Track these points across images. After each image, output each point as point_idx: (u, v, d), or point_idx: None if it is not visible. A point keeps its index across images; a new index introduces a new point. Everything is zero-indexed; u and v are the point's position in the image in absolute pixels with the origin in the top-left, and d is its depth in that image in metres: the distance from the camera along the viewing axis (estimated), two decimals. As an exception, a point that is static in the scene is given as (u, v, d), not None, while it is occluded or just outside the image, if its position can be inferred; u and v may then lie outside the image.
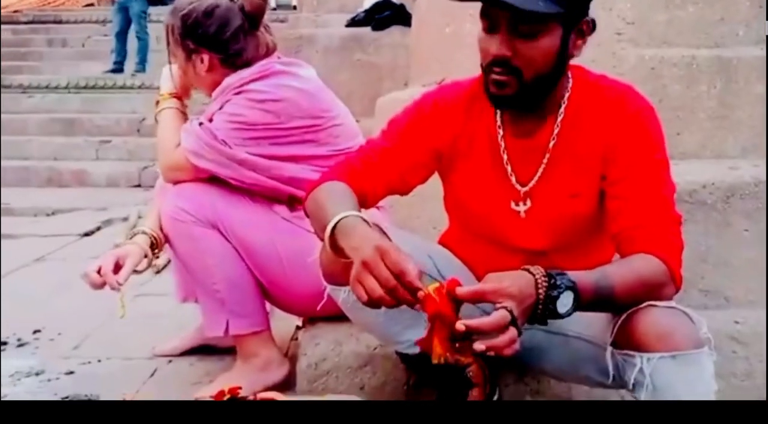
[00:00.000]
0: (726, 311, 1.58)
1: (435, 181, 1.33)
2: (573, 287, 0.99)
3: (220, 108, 1.55)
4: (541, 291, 0.98)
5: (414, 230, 1.69)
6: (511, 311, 0.94)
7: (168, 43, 1.62)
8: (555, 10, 1.05)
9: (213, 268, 1.54)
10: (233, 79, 1.56)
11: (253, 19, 1.58)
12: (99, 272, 1.50)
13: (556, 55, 1.10)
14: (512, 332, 0.94)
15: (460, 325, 0.94)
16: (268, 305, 1.68)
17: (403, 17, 4.02)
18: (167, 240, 1.58)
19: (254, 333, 1.60)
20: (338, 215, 1.06)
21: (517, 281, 0.99)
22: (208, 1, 1.56)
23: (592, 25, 1.14)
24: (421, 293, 0.95)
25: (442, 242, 1.40)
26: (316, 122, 1.58)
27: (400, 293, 0.95)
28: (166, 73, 1.66)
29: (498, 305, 0.96)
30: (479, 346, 0.94)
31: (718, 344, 1.40)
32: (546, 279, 0.99)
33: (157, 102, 1.66)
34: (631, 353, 1.04)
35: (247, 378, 1.55)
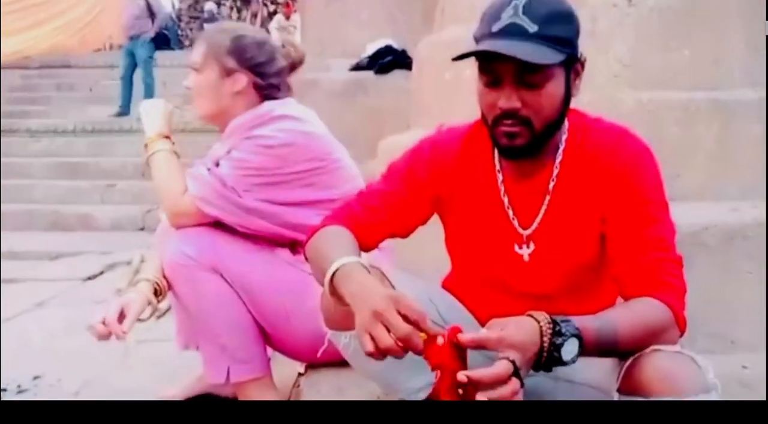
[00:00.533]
0: (732, 355, 1.56)
1: (437, 224, 1.33)
2: (578, 335, 0.98)
3: (228, 152, 1.57)
4: (545, 339, 0.97)
5: (416, 273, 1.69)
6: (513, 362, 0.93)
7: (201, 63, 1.63)
8: (561, 58, 1.07)
9: (214, 312, 1.53)
10: (240, 121, 1.58)
11: (293, 65, 1.69)
12: (103, 322, 1.49)
13: (563, 100, 1.11)
14: (515, 383, 0.93)
15: (461, 376, 0.92)
16: (269, 350, 1.67)
17: (404, 62, 4.09)
18: (169, 285, 1.58)
19: (256, 379, 1.58)
20: (338, 262, 1.05)
21: (521, 330, 0.97)
22: (261, 34, 1.67)
23: (585, 62, 1.15)
24: (419, 341, 0.94)
25: (445, 286, 1.39)
26: (321, 164, 1.59)
27: (414, 341, 0.93)
28: (153, 112, 1.67)
29: (501, 355, 0.94)
30: (482, 397, 0.92)
31: (726, 389, 1.37)
32: (551, 326, 0.97)
33: (146, 145, 1.65)
34: (638, 398, 1.01)
35: None
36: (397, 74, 4.15)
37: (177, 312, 1.71)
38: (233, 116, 1.61)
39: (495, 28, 1.07)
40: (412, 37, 4.18)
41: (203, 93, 1.63)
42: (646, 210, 1.12)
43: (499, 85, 1.09)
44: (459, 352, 0.97)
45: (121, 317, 1.50)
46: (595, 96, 1.79)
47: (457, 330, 0.97)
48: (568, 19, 1.10)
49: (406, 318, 0.94)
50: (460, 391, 0.95)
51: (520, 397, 0.94)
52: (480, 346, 0.97)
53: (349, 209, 1.26)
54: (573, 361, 0.99)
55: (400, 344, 0.93)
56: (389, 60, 4.17)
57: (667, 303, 1.06)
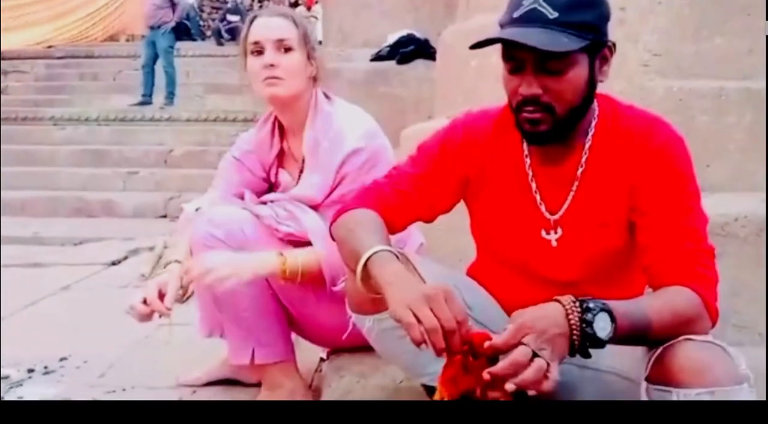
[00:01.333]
0: (761, 347, 1.54)
1: (460, 213, 1.32)
2: (606, 309, 0.97)
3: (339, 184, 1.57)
4: (572, 318, 0.96)
5: (440, 261, 1.68)
6: (528, 344, 0.93)
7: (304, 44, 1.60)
8: (580, 45, 1.06)
9: (241, 295, 1.54)
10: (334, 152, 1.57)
11: None
12: (144, 302, 1.50)
13: (586, 86, 1.10)
14: (538, 363, 0.92)
15: (486, 374, 0.93)
16: (293, 336, 1.67)
17: (426, 51, 4.07)
18: None
19: (280, 362, 1.59)
20: (371, 249, 1.06)
21: (539, 313, 0.97)
22: None
23: (614, 47, 1.14)
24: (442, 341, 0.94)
25: (470, 273, 1.38)
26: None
27: (455, 338, 0.94)
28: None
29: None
30: (510, 386, 0.91)
31: (754, 382, 1.36)
32: (576, 305, 0.96)
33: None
34: (667, 388, 1.00)
35: None
36: (419, 64, 4.14)
37: (201, 299, 1.72)
38: (304, 102, 1.61)
39: (516, 14, 1.07)
40: (434, 26, 4.17)
41: (295, 72, 1.59)
42: (678, 200, 1.10)
43: (521, 72, 1.08)
44: (486, 360, 0.95)
45: (161, 296, 1.51)
46: (624, 85, 1.77)
47: (485, 337, 0.96)
48: (592, 4, 1.09)
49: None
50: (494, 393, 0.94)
51: (553, 378, 0.92)
52: (498, 349, 0.95)
53: (379, 191, 1.25)
54: (609, 337, 0.97)
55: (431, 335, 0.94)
56: (411, 49, 4.15)
57: (699, 293, 1.05)
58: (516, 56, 1.08)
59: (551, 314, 0.96)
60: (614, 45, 1.14)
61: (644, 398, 1.05)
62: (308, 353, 1.85)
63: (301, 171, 1.64)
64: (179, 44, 8.36)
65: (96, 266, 3.61)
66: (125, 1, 11.58)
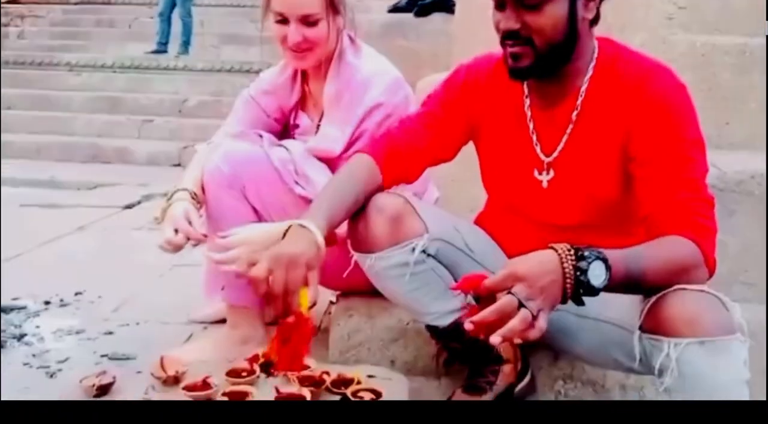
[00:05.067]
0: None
1: (469, 164, 1.33)
2: (602, 257, 0.97)
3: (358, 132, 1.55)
4: (567, 265, 0.96)
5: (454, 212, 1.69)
6: (516, 294, 0.93)
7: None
8: None
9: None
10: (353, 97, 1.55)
11: None
12: (176, 232, 1.47)
13: (567, 22, 1.09)
14: (523, 314, 0.92)
15: (468, 325, 0.94)
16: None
17: (445, 4, 4.00)
18: (204, 194, 1.57)
19: (244, 307, 1.61)
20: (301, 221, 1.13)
21: (530, 261, 0.97)
22: None
23: None
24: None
25: (477, 221, 1.40)
26: None
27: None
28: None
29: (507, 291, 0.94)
30: (494, 339, 0.92)
31: (761, 339, 1.37)
32: (571, 253, 0.96)
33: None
34: (659, 337, 1.00)
35: (224, 345, 1.60)
36: (436, 17, 4.08)
37: (208, 262, 1.68)
38: (329, 50, 1.57)
39: None
40: (455, -21, 4.09)
41: (322, 42, 1.53)
42: (674, 149, 1.08)
43: (504, 8, 1.10)
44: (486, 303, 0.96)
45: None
46: (646, 37, 1.74)
47: (482, 277, 0.98)
48: None
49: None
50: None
51: (540, 327, 0.93)
52: (492, 290, 0.96)
53: (389, 136, 1.28)
54: (604, 284, 0.97)
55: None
56: (429, 1, 4.09)
57: (696, 242, 1.03)
58: None
59: (545, 262, 0.96)
60: None
61: (636, 347, 1.05)
62: (318, 297, 1.88)
63: (322, 115, 1.63)
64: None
65: (111, 208, 3.65)
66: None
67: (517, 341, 0.95)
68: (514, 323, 0.92)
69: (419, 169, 1.30)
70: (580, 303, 0.99)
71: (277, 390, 1.19)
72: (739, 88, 1.73)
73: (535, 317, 0.93)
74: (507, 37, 1.11)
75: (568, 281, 0.96)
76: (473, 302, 0.98)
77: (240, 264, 1.13)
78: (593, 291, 0.97)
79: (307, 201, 1.53)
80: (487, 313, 0.93)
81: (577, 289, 0.96)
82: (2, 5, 8.50)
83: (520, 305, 0.92)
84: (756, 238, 1.56)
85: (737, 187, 1.54)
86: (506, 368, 1.32)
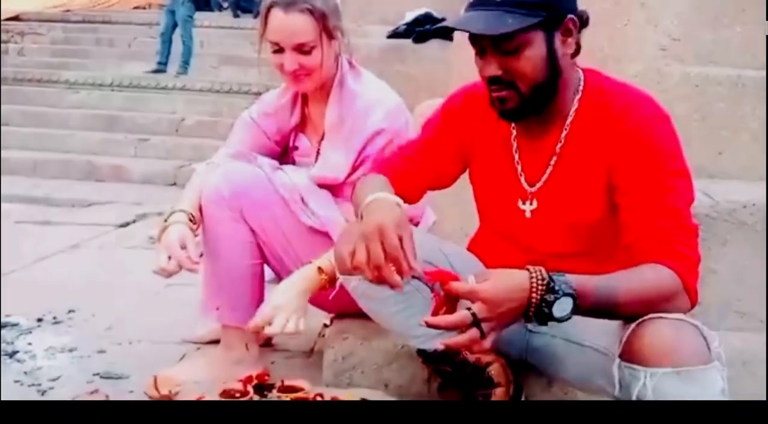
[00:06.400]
0: (761, 334, 1.55)
1: (464, 186, 1.34)
2: (572, 294, 0.97)
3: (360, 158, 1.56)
4: (534, 296, 0.98)
5: (444, 234, 1.70)
6: (474, 314, 0.97)
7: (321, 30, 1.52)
8: (526, 23, 1.07)
9: (224, 253, 1.56)
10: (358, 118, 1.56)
11: None
12: (169, 258, 1.47)
13: (547, 62, 1.11)
14: (472, 332, 0.97)
15: (421, 321, 0.99)
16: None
17: (443, 32, 4.05)
18: (201, 217, 1.58)
19: (239, 328, 1.60)
20: (370, 196, 1.13)
21: (500, 284, 0.99)
22: None
23: (583, 19, 1.14)
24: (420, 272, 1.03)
25: (470, 246, 1.41)
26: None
27: (384, 271, 1.02)
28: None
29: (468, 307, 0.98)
30: (438, 346, 0.98)
31: (753, 369, 1.38)
32: (543, 284, 0.97)
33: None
34: (636, 366, 1.00)
35: (218, 366, 1.60)
36: (434, 44, 4.11)
37: (204, 281, 1.67)
38: (329, 75, 1.58)
39: None
40: (452, 6, 4.14)
41: (319, 68, 1.54)
42: (657, 178, 1.08)
43: (484, 55, 1.12)
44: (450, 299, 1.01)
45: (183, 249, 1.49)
46: (641, 68, 1.77)
47: (450, 276, 1.02)
48: None
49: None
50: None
51: (483, 345, 0.98)
52: (456, 295, 1.01)
53: (389, 161, 1.34)
54: (566, 318, 0.99)
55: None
56: (428, 28, 4.13)
57: (675, 270, 1.03)
58: (477, 40, 1.12)
59: (513, 289, 0.98)
60: (583, 16, 1.13)
61: (616, 375, 1.04)
62: (312, 319, 1.87)
63: (322, 138, 1.64)
64: (196, 14, 8.33)
65: (105, 227, 3.64)
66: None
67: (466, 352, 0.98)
68: (462, 338, 0.98)
69: (417, 193, 1.33)
70: (543, 324, 1.02)
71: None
72: (732, 119, 1.76)
73: (484, 336, 0.98)
74: (491, 82, 1.13)
75: (531, 309, 0.99)
76: (440, 292, 1.03)
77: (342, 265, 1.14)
78: (554, 320, 0.99)
79: (313, 231, 1.56)
80: (441, 320, 0.99)
81: (538, 317, 0.99)
82: (2, 22, 8.56)
83: (475, 321, 0.97)
84: (749, 267, 1.57)
85: (730, 217, 1.56)
86: (498, 392, 1.32)
